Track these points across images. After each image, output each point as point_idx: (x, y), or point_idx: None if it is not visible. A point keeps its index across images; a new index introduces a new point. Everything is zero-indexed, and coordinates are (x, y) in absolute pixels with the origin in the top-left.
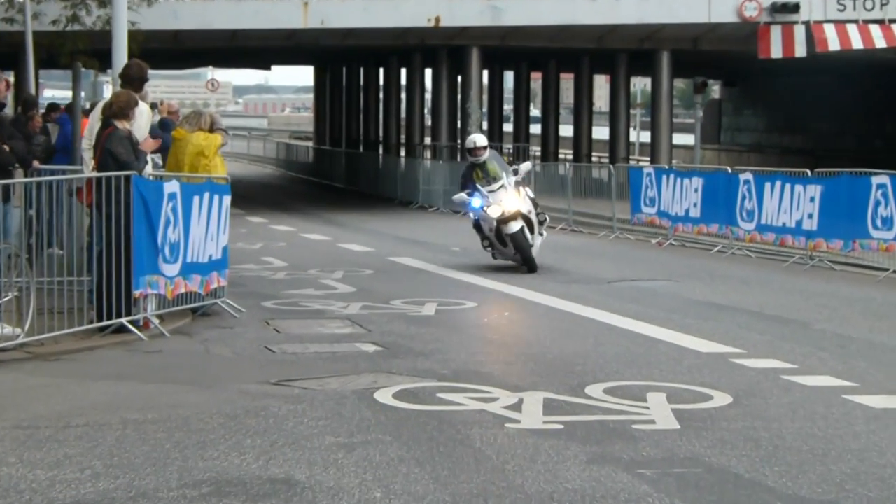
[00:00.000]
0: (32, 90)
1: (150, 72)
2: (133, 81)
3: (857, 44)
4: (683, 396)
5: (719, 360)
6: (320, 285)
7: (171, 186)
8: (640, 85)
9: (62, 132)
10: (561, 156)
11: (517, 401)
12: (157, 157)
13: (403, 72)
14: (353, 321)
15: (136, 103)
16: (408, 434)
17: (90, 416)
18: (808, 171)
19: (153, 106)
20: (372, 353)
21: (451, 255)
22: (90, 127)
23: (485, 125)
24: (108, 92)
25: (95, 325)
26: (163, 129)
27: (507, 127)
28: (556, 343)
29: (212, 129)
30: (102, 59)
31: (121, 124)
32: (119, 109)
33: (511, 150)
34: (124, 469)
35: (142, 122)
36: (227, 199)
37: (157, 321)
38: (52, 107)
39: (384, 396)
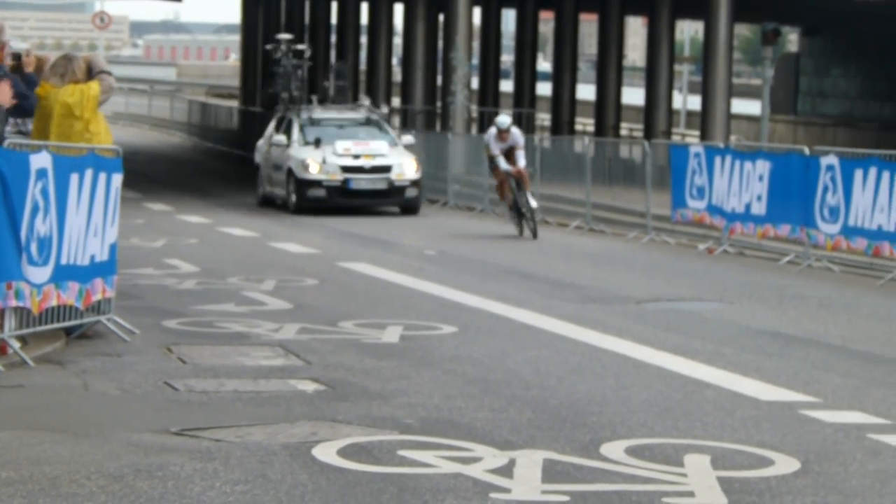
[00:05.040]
0: None
1: (15, 0)
2: None
3: None
4: (734, 460)
5: (785, 412)
6: (243, 299)
7: (41, 160)
8: (690, 31)
9: None
10: (578, 127)
11: (507, 462)
12: (23, 123)
13: (364, 7)
14: (286, 349)
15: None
16: None
17: None
18: None
19: (16, 58)
20: (311, 394)
21: (426, 261)
22: None
23: (474, 83)
24: None
25: None
26: (29, 86)
27: (506, 86)
28: (564, 384)
29: (90, 77)
30: None
31: None
32: None
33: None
34: None
35: None
36: (118, 179)
37: (17, 345)
38: None
39: (326, 453)
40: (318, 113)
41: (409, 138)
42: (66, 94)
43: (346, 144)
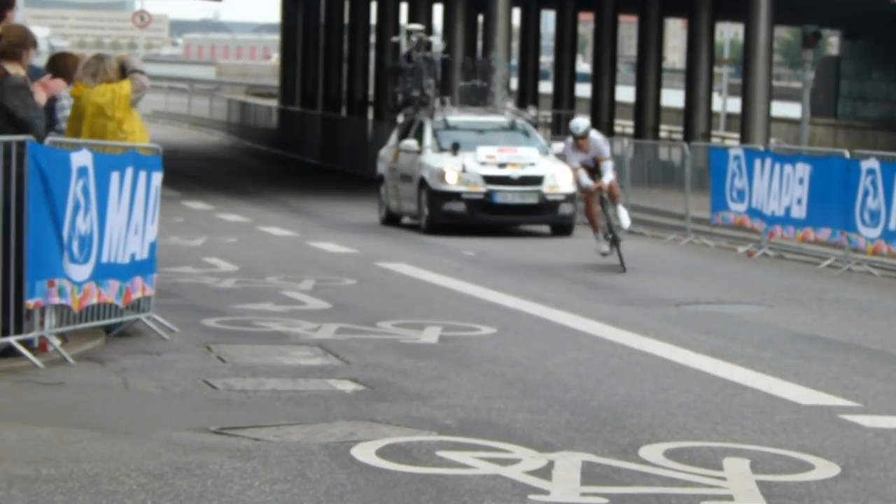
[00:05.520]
0: None
1: None
2: None
3: None
4: (774, 464)
5: (825, 416)
6: (282, 298)
7: (82, 158)
8: (730, 34)
9: None
10: (617, 129)
11: (546, 464)
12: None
13: (404, 7)
14: (325, 349)
15: (35, 42)
16: None
17: None
18: None
19: (51, 59)
20: (350, 394)
21: (464, 261)
22: None
23: (513, 84)
24: None
25: None
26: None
27: (545, 87)
28: (602, 386)
29: (124, 76)
30: None
31: (13, 68)
32: (9, 46)
33: (549, 119)
34: None
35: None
36: (158, 178)
37: (58, 342)
38: None
39: (365, 453)
40: (455, 115)
41: (561, 146)
42: (98, 95)
43: (489, 151)
